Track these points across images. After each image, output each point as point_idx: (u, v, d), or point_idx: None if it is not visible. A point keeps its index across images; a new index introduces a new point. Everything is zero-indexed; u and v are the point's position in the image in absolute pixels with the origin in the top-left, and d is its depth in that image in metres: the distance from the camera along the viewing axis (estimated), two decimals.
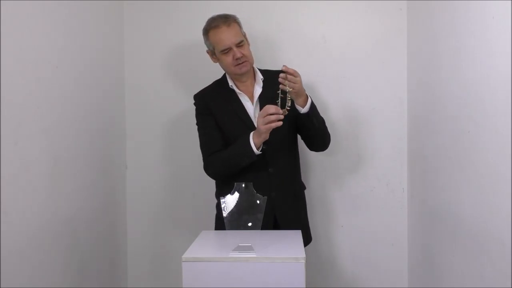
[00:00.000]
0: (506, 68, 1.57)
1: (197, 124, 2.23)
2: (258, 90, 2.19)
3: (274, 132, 2.00)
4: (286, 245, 1.83)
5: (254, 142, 2.01)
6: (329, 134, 2.23)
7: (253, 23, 2.63)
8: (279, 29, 2.63)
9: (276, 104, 1.96)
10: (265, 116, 1.94)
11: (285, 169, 2.20)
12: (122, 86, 2.68)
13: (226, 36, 2.10)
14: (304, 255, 1.62)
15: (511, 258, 1.56)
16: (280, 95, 1.97)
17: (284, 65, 1.98)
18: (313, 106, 2.09)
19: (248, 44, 2.18)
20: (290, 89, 1.96)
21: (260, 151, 2.04)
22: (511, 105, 1.54)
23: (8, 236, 1.60)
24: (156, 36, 2.65)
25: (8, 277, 1.60)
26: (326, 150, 2.27)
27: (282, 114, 1.94)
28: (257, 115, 2.09)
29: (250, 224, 2.03)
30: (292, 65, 2.56)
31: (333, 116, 2.62)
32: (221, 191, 2.15)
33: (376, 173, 2.63)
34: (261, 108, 2.06)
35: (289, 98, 1.98)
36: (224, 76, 2.24)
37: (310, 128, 2.10)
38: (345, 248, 2.66)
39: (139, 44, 2.68)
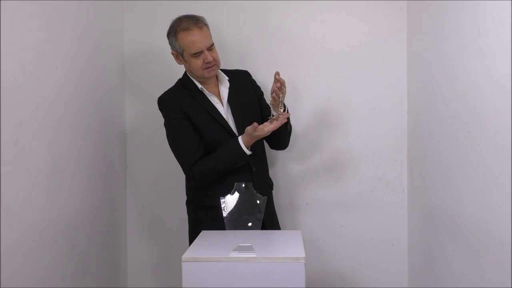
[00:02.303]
0: (506, 68, 1.57)
1: (168, 128, 2.18)
2: (224, 91, 2.22)
3: None
4: (286, 245, 1.83)
5: (245, 144, 2.07)
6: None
7: (253, 23, 2.64)
8: (279, 29, 2.63)
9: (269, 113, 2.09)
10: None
11: (263, 167, 2.30)
12: (122, 86, 2.68)
13: (199, 39, 2.09)
14: (304, 255, 1.62)
15: (511, 258, 1.56)
16: (272, 103, 2.06)
17: (277, 72, 2.02)
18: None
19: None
20: (283, 99, 2.05)
21: (250, 151, 2.10)
22: (511, 105, 1.54)
23: (8, 236, 1.60)
24: (156, 36, 2.65)
25: (8, 277, 1.60)
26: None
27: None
28: (230, 117, 2.19)
29: (250, 224, 2.03)
30: (292, 65, 2.60)
31: (333, 116, 2.62)
32: (199, 198, 2.21)
33: (376, 173, 2.63)
34: (232, 111, 2.18)
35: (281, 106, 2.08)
36: (187, 76, 2.23)
37: (282, 132, 2.16)
38: (345, 248, 2.66)
39: (139, 44, 2.68)
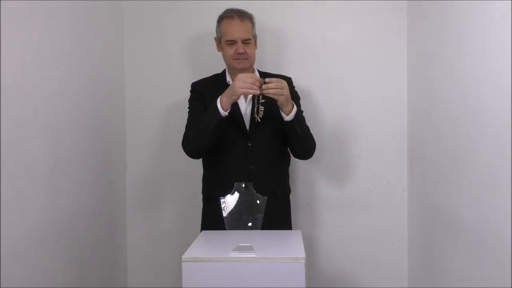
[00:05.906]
0: (506, 68, 1.57)
1: (188, 108, 2.25)
2: None
3: (260, 131, 2.12)
4: (286, 245, 1.83)
5: (222, 102, 2.01)
6: (315, 144, 2.22)
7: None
8: (279, 29, 2.63)
9: (258, 108, 2.03)
10: (248, 81, 1.95)
11: (267, 168, 2.19)
12: (122, 86, 2.68)
13: (235, 29, 2.15)
14: (304, 255, 1.62)
15: (511, 258, 1.56)
16: (260, 100, 2.02)
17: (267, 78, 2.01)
18: (298, 114, 2.09)
19: (255, 47, 2.22)
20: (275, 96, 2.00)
21: (227, 114, 2.02)
22: (511, 105, 1.54)
23: (8, 236, 1.60)
24: (156, 36, 2.65)
25: (8, 277, 1.60)
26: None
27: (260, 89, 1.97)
28: (248, 113, 2.16)
29: (250, 224, 2.03)
30: (292, 65, 2.59)
31: (333, 116, 2.62)
32: (204, 188, 2.25)
33: (376, 173, 2.63)
34: (253, 107, 2.12)
35: (262, 109, 2.04)
36: (223, 72, 2.27)
37: (294, 136, 2.11)
38: (345, 248, 2.66)
39: (139, 44, 2.68)
